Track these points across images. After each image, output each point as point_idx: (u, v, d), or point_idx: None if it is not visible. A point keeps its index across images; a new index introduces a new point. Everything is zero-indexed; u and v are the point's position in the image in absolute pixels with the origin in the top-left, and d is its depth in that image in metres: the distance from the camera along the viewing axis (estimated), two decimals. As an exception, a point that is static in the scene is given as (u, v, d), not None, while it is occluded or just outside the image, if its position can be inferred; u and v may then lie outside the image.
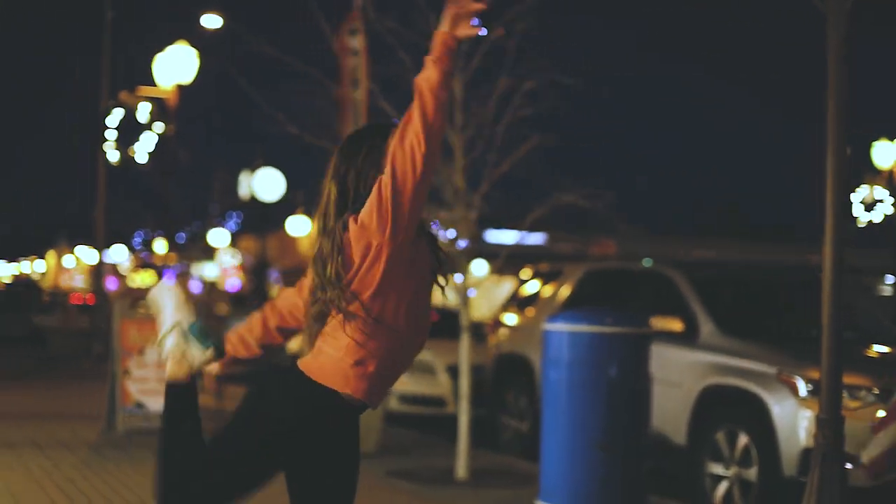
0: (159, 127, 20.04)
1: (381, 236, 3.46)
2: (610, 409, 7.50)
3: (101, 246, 22.47)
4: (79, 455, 10.09)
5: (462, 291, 9.89)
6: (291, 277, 47.92)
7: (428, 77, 3.43)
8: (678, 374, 9.44)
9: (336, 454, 3.73)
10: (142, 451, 10.42)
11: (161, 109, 20.06)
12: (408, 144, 3.40)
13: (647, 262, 11.37)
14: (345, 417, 3.68)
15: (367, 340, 3.57)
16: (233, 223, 64.49)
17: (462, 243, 9.86)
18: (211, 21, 22.40)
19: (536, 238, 50.42)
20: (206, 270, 79.89)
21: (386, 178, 3.44)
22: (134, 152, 20.38)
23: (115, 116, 20.00)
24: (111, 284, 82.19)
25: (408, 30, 10.01)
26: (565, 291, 11.60)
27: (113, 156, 20.32)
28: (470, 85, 9.88)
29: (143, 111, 19.89)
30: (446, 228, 10.00)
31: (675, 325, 9.60)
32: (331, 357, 3.61)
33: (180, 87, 19.84)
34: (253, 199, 39.69)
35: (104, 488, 8.50)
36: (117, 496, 8.20)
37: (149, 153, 20.27)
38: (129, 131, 20.64)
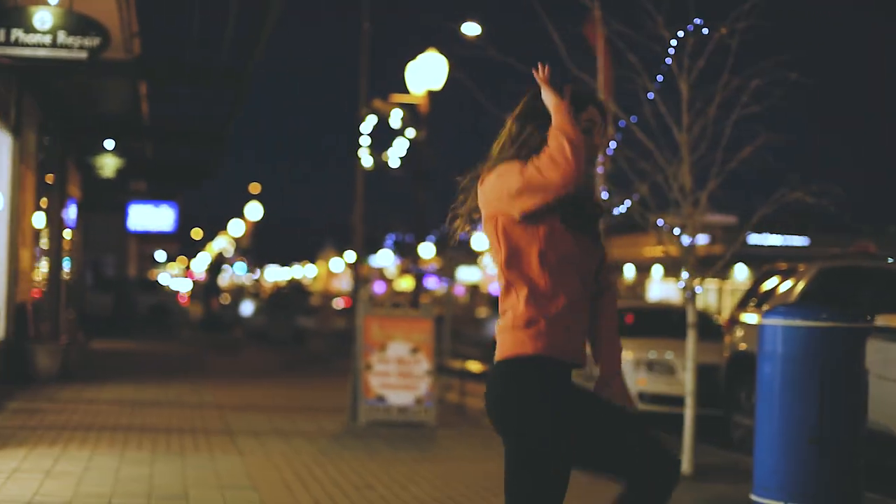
0: (411, 132, 20.77)
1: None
2: (822, 403, 7.49)
3: (360, 250, 23.38)
4: (318, 444, 10.73)
5: (690, 289, 10.00)
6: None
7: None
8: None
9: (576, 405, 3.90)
10: (378, 441, 11.00)
11: (413, 115, 20.81)
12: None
13: (891, 261, 11.13)
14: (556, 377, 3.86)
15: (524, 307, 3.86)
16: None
17: (686, 240, 9.97)
18: (470, 28, 22.97)
19: (800, 240, 49.29)
20: (469, 274, 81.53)
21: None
22: (387, 157, 21.21)
23: (369, 123, 20.89)
24: (378, 288, 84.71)
25: (638, 33, 10.24)
26: (799, 288, 11.49)
27: (367, 161, 21.22)
28: (696, 85, 9.96)
29: (396, 117, 20.68)
30: (672, 228, 10.16)
31: (905, 323, 9.44)
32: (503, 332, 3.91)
33: (431, 94, 20.46)
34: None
35: (335, 474, 9.05)
36: (347, 481, 8.72)
37: (401, 158, 21.05)
38: (383, 137, 21.49)
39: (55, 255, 20.00)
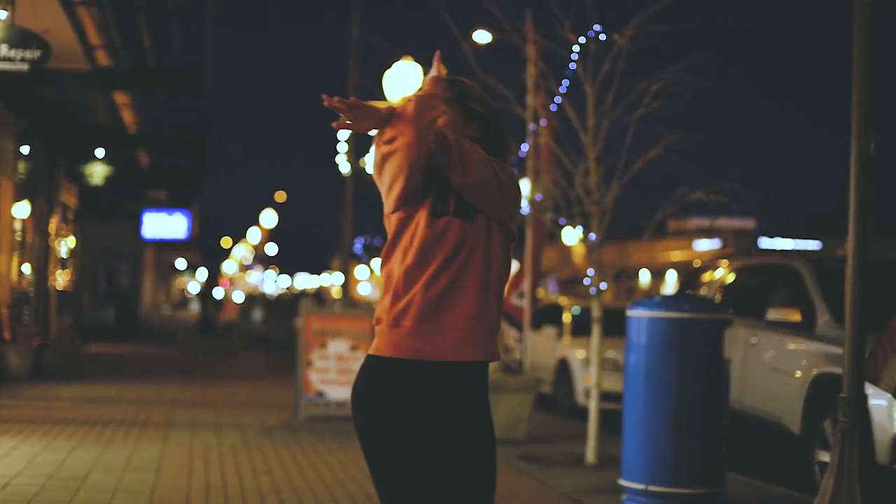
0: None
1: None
2: (681, 391, 7.88)
3: (348, 253, 23.80)
4: (247, 436, 11.21)
5: (595, 284, 10.41)
6: (569, 287, 48.71)
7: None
8: (794, 363, 9.66)
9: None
10: (308, 434, 11.47)
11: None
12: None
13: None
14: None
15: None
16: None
17: (592, 236, 10.37)
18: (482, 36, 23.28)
19: (812, 245, 49.31)
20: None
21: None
22: (364, 164, 21.68)
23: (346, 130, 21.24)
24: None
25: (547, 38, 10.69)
26: (717, 286, 11.88)
27: (345, 167, 21.71)
28: (601, 89, 10.36)
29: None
30: (575, 226, 10.58)
31: (794, 316, 9.80)
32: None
33: (408, 101, 20.88)
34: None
35: (244, 462, 9.57)
36: (250, 468, 9.24)
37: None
38: (362, 143, 21.96)
39: (41, 262, 20.59)
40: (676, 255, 48.07)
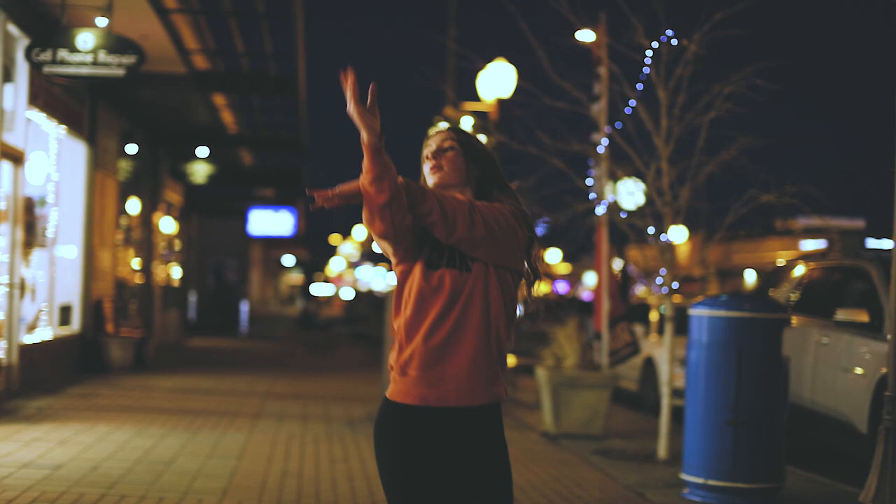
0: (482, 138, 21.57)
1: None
2: (739, 388, 8.08)
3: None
4: (331, 427, 11.64)
5: (667, 284, 10.62)
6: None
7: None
8: (862, 363, 9.77)
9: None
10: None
11: (483, 122, 21.61)
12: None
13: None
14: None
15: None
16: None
17: (664, 237, 10.57)
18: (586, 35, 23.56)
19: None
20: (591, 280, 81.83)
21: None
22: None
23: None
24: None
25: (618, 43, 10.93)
26: (796, 284, 11.99)
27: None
28: (674, 92, 10.56)
29: (467, 125, 21.51)
30: (647, 227, 10.79)
31: (862, 317, 9.91)
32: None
33: (500, 101, 21.20)
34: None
35: (323, 450, 10.00)
36: (328, 456, 9.64)
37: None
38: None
39: (146, 257, 21.36)
40: (782, 255, 47.58)
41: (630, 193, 12.84)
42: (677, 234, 43.45)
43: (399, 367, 3.77)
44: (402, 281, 3.81)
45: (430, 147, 3.90)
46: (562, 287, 76.19)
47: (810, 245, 45.53)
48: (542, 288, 4.11)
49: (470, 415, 3.78)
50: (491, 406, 3.84)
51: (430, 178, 3.90)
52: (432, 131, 4.02)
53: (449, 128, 4.02)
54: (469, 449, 3.80)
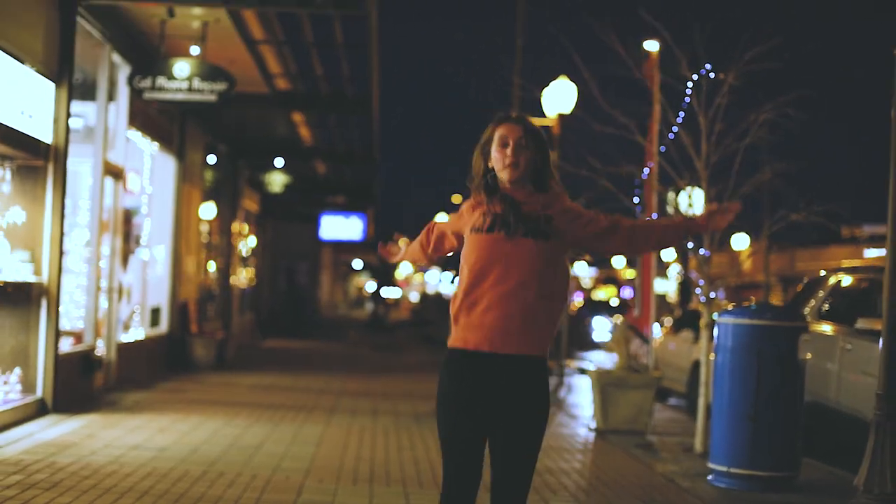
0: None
1: None
2: (759, 388, 9.16)
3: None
4: (399, 421, 12.82)
5: (705, 294, 11.69)
6: (738, 293, 49.21)
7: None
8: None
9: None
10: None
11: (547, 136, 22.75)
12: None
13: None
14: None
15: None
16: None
17: (703, 251, 11.63)
18: (651, 45, 24.50)
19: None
20: (659, 286, 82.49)
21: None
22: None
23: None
24: (576, 297, 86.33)
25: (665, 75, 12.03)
26: (827, 293, 12.96)
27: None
28: (713, 120, 11.62)
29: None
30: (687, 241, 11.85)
31: (879, 325, 10.90)
32: None
33: (561, 116, 22.28)
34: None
35: (392, 440, 11.19)
36: (396, 445, 10.84)
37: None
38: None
39: (225, 262, 22.77)
40: (845, 264, 47.90)
41: (688, 205, 13.87)
42: (739, 241, 43.75)
43: (453, 317, 4.36)
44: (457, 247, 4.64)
45: (505, 139, 4.34)
46: (627, 293, 77.15)
47: (874, 253, 45.95)
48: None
49: (504, 363, 4.22)
50: (526, 359, 4.25)
51: (503, 170, 4.36)
52: (501, 116, 4.48)
53: (524, 123, 4.43)
54: (505, 396, 4.24)
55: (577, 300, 77.29)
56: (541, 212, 4.32)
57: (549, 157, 4.47)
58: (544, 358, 4.31)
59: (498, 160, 4.34)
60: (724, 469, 9.31)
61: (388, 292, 77.06)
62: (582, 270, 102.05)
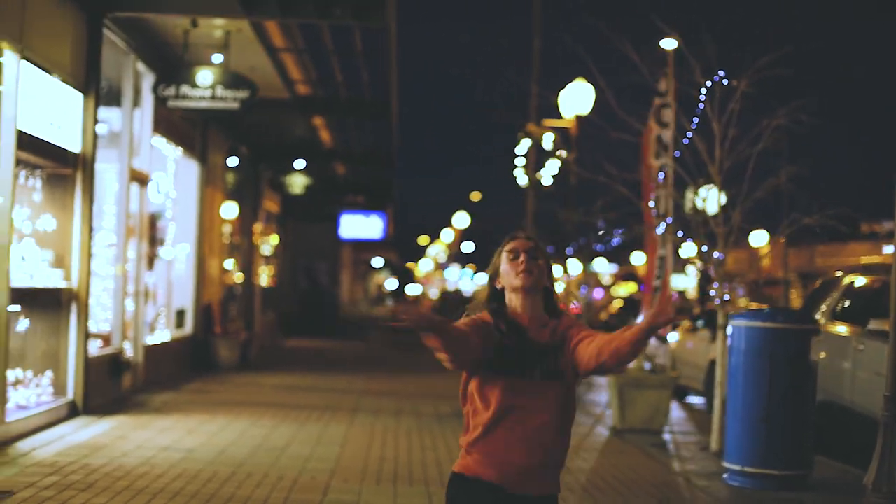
0: (562, 154, 22.98)
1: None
2: (771, 389, 9.39)
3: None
4: (421, 421, 13.10)
5: (720, 296, 11.91)
6: (757, 290, 49.31)
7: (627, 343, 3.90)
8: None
9: None
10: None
11: (563, 138, 23.00)
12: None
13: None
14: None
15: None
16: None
17: (717, 255, 11.86)
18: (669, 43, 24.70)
19: None
20: (680, 282, 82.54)
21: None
22: (540, 176, 23.49)
23: (524, 145, 23.28)
24: (596, 294, 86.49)
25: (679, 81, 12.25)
26: (840, 294, 13.17)
27: (522, 179, 23.60)
28: (726, 125, 11.84)
29: (548, 140, 22.93)
30: (700, 245, 12.08)
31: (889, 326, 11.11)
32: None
33: (579, 118, 22.53)
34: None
35: (414, 440, 11.47)
36: (418, 445, 11.11)
37: (553, 176, 23.31)
38: (540, 157, 23.82)
39: (247, 263, 23.09)
40: (865, 260, 47.99)
41: (704, 200, 14.06)
42: (757, 238, 43.52)
43: (467, 446, 4.15)
44: (470, 376, 4.21)
45: (516, 251, 4.15)
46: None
47: (893, 250, 45.88)
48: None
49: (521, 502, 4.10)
50: (547, 498, 4.17)
51: (514, 277, 4.15)
52: (507, 238, 4.29)
53: (532, 239, 4.26)
54: None
55: (616, 301, 77.52)
56: (550, 340, 4.15)
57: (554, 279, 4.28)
58: (557, 494, 4.27)
59: (509, 272, 4.16)
60: (738, 468, 9.55)
61: (409, 289, 77.61)
62: (602, 267, 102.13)
